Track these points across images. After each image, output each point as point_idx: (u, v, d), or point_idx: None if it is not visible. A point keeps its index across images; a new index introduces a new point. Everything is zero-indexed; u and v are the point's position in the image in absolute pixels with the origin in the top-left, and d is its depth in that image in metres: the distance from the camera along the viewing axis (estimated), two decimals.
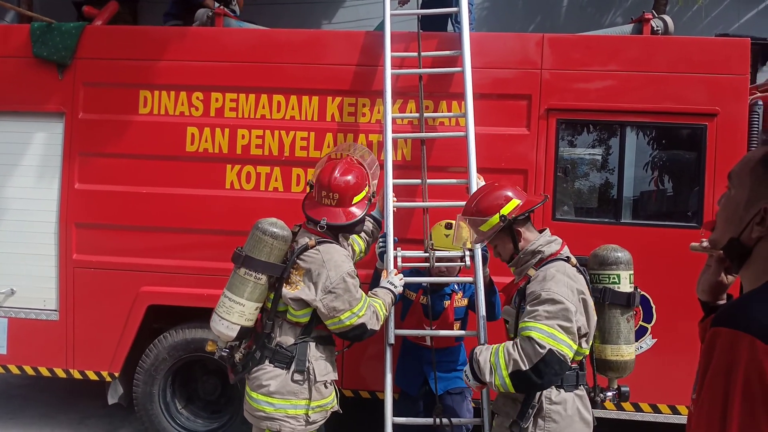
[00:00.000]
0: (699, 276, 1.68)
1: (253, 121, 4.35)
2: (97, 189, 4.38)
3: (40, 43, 4.37)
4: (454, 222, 3.54)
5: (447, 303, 3.66)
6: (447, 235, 3.56)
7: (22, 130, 4.48)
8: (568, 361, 2.46)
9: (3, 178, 4.51)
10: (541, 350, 2.38)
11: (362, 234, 3.54)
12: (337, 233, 3.10)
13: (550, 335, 2.41)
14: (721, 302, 1.67)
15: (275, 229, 2.93)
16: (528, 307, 2.52)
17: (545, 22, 8.27)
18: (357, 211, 3.07)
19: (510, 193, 2.79)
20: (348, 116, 4.34)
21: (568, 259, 2.68)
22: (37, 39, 4.39)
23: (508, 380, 2.46)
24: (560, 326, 2.42)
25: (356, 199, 3.07)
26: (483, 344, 3.07)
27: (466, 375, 2.70)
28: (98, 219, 4.38)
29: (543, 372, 2.39)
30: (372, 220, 3.70)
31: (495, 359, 2.51)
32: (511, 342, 2.52)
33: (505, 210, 2.73)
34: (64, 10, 7.84)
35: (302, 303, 2.90)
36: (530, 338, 2.41)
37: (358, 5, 8.17)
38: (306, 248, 2.94)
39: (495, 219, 2.74)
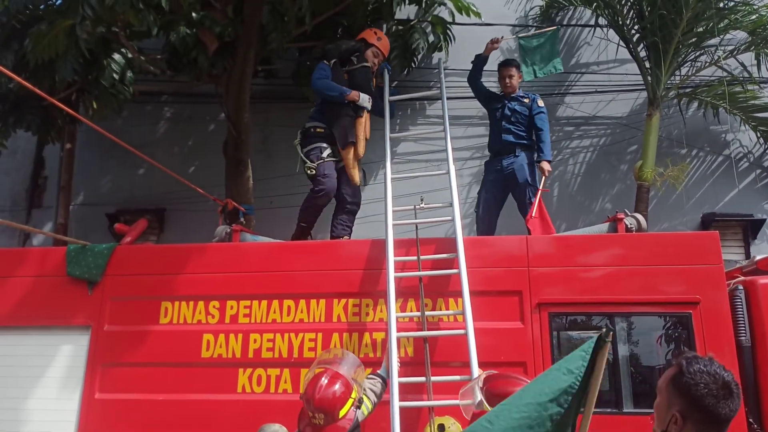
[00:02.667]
0: None
1: (265, 325, 4.65)
2: (116, 398, 4.57)
3: (74, 263, 4.85)
4: (445, 423, 3.68)
5: None
6: None
7: (49, 344, 4.79)
8: None
9: (27, 390, 4.72)
10: None
11: (370, 395, 3.67)
12: None
13: None
14: None
15: None
16: None
17: None
18: (346, 424, 3.19)
19: None
20: (353, 316, 4.63)
21: None
22: (72, 260, 4.87)
23: None
24: None
25: (342, 412, 3.19)
26: None
27: None
28: (116, 429, 4.51)
29: None
30: (381, 380, 3.87)
31: None
32: None
33: None
34: (96, 222, 8.61)
35: None
36: None
37: (363, 204, 8.81)
38: None
39: None
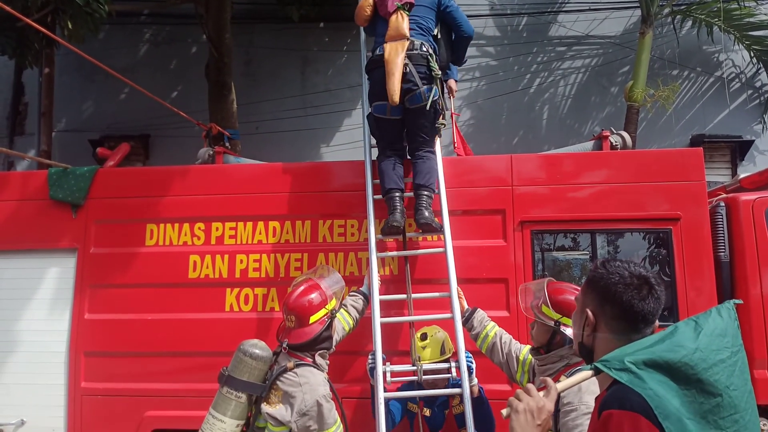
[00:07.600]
0: None
1: (251, 246, 4.67)
2: (105, 318, 4.65)
3: (56, 186, 4.81)
4: (428, 332, 3.79)
5: (447, 411, 3.80)
6: (424, 347, 3.77)
7: (36, 266, 4.81)
8: None
9: (17, 312, 4.78)
10: None
11: (351, 311, 3.85)
12: (312, 353, 3.32)
13: None
14: None
15: (256, 350, 3.22)
16: (570, 422, 2.57)
17: (528, 134, 8.79)
18: (312, 330, 3.29)
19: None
20: (338, 237, 4.66)
21: None
22: (54, 183, 4.83)
23: None
24: None
25: (313, 318, 3.32)
26: None
27: None
28: (106, 347, 4.61)
29: None
30: (362, 297, 4.03)
31: None
32: None
33: (565, 320, 2.88)
34: (80, 149, 8.51)
35: (280, 421, 3.10)
36: None
37: (353, 129, 8.76)
38: (285, 370, 3.18)
39: (553, 315, 2.92)
